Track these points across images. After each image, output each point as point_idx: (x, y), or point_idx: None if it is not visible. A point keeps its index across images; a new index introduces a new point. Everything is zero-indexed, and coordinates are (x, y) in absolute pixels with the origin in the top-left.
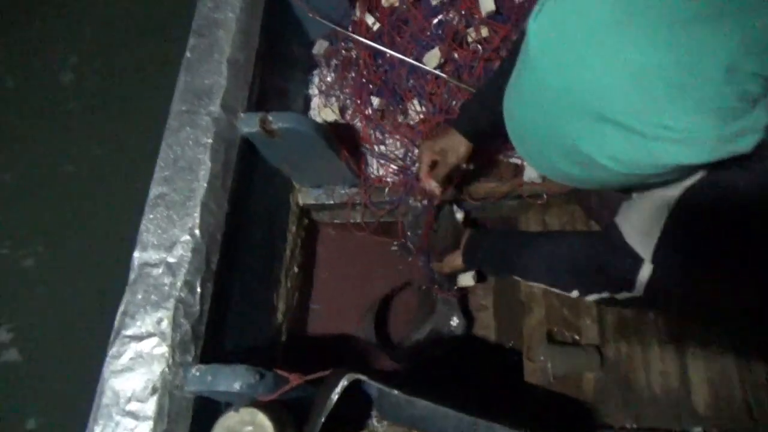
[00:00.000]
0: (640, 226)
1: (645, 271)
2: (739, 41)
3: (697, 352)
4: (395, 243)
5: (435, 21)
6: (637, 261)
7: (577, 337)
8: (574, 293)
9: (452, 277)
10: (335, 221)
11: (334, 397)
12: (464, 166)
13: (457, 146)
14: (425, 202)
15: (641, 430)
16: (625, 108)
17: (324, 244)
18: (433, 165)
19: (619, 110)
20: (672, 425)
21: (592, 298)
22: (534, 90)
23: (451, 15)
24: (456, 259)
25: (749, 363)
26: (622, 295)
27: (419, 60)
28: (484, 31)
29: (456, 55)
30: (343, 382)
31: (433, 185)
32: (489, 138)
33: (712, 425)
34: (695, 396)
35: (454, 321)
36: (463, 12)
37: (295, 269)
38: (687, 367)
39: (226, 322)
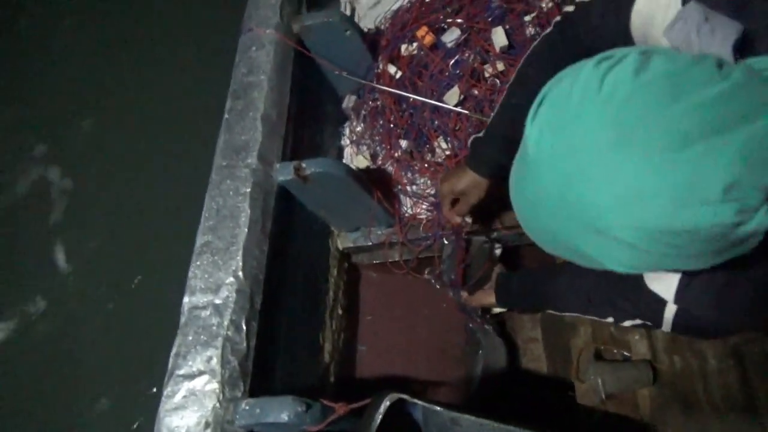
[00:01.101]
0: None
1: (669, 312)
2: (737, 158)
3: (758, 360)
4: (427, 271)
5: (452, 62)
6: (661, 303)
7: (627, 354)
8: (609, 319)
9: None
10: (374, 261)
11: (378, 417)
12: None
13: (475, 185)
14: (453, 237)
15: None
16: (629, 227)
17: (366, 287)
18: (455, 203)
19: (622, 229)
20: None
21: (627, 324)
22: (536, 192)
23: (467, 54)
24: (488, 297)
25: None
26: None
27: (441, 99)
28: (500, 66)
29: (475, 92)
30: (386, 402)
31: (457, 220)
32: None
33: None
34: (761, 404)
35: (498, 347)
36: (478, 50)
37: (339, 311)
38: (747, 372)
39: (274, 360)
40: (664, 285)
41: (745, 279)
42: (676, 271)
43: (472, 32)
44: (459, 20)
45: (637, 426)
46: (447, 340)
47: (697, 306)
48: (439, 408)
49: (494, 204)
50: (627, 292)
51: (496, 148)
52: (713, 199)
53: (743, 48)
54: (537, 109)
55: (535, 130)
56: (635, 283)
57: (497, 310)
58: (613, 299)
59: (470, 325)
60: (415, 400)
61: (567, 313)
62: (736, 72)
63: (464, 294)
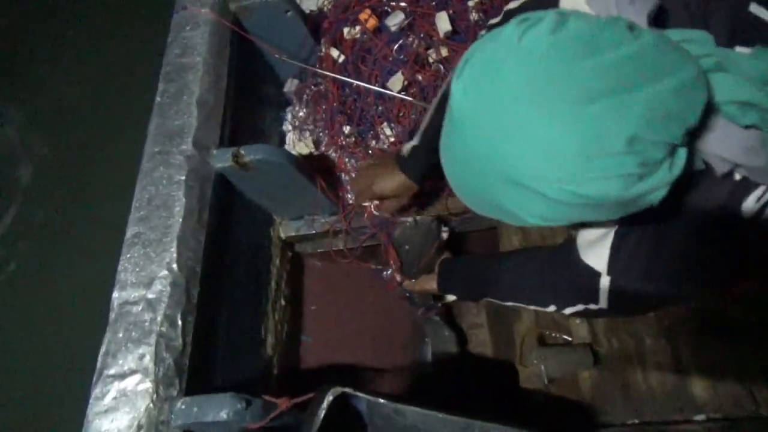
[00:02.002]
0: (592, 240)
1: (604, 284)
2: (641, 114)
3: (688, 341)
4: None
5: (396, 46)
6: (595, 275)
7: (568, 338)
8: (551, 308)
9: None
10: (318, 250)
11: (321, 413)
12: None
13: (408, 188)
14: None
15: (644, 425)
16: (543, 178)
17: (311, 277)
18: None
19: (536, 180)
20: (674, 416)
21: (568, 311)
22: (460, 150)
23: (411, 39)
24: (429, 283)
25: (742, 345)
26: (592, 307)
27: (385, 85)
28: (444, 51)
29: (420, 77)
30: (329, 397)
31: (386, 215)
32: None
33: (714, 411)
34: (693, 385)
35: (447, 338)
36: (422, 35)
37: (283, 301)
38: (681, 357)
39: (213, 356)
40: (597, 256)
41: (670, 249)
42: (605, 239)
43: (416, 16)
44: (403, 4)
45: (578, 407)
46: (393, 328)
47: (628, 276)
48: (382, 400)
49: (441, 190)
50: (564, 271)
51: (431, 158)
52: (618, 150)
53: (658, 21)
54: (462, 68)
55: (459, 88)
56: (572, 261)
57: (449, 298)
58: (554, 283)
59: (417, 316)
60: (358, 393)
61: (508, 303)
62: (646, 35)
63: (406, 282)
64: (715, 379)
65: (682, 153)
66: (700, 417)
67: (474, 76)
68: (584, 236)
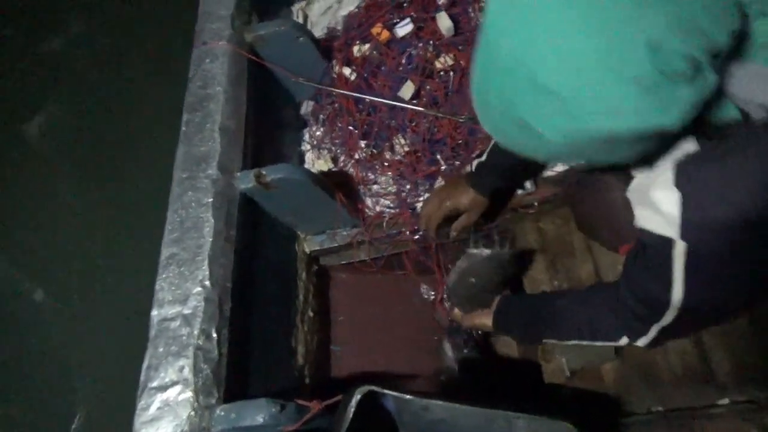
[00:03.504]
0: (646, 185)
1: (679, 253)
2: (664, 20)
3: (713, 330)
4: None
5: (405, 56)
6: (667, 244)
7: None
8: (624, 340)
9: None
10: (342, 262)
11: (350, 410)
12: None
13: (477, 203)
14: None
15: (669, 411)
16: (563, 80)
17: (337, 289)
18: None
19: (557, 82)
20: (699, 401)
21: (642, 342)
22: (487, 56)
23: (419, 45)
24: (483, 319)
25: (764, 327)
26: (666, 320)
27: (396, 95)
28: (449, 60)
29: (428, 86)
30: (357, 396)
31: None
32: (504, 193)
33: (739, 394)
34: (717, 369)
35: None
36: (429, 41)
37: (311, 313)
38: (703, 342)
39: (248, 366)
40: (664, 210)
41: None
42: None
43: (423, 23)
44: (411, 12)
45: (602, 398)
46: (419, 334)
47: (707, 215)
48: (409, 396)
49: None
50: (636, 285)
51: (497, 174)
52: (638, 52)
53: None
54: None
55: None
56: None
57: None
58: (624, 310)
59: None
60: (385, 391)
61: (572, 341)
62: None
63: (457, 311)
64: (738, 363)
65: (710, 76)
66: (725, 401)
67: None
68: (637, 187)
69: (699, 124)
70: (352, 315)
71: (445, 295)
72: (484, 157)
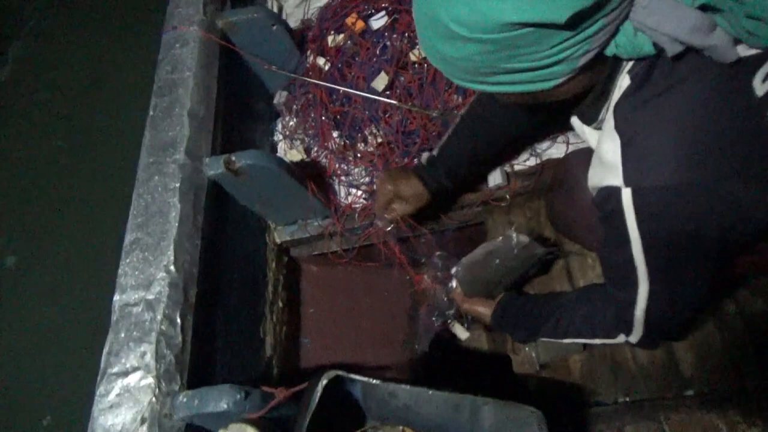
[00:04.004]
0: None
1: (626, 198)
2: None
3: None
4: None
5: (380, 47)
6: (615, 193)
7: None
8: (621, 338)
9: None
10: (314, 253)
11: (316, 395)
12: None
13: (418, 195)
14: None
15: (634, 403)
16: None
17: (307, 281)
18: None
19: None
20: (664, 393)
21: (635, 337)
22: (419, 13)
23: (394, 37)
24: (482, 308)
25: (727, 322)
26: (641, 299)
27: (370, 86)
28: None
29: (402, 78)
30: (323, 381)
31: (386, 220)
32: (448, 192)
33: (703, 386)
34: (681, 362)
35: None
36: (405, 33)
37: (280, 304)
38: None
39: (213, 354)
40: (607, 160)
41: (687, 131)
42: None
43: (399, 15)
44: (384, 5)
45: (570, 389)
46: (390, 326)
47: (647, 169)
48: (375, 381)
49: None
50: (600, 252)
51: (444, 170)
52: None
53: None
54: None
55: None
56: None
57: (459, 332)
58: (607, 295)
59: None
60: (353, 376)
61: (568, 340)
62: None
63: (459, 290)
64: (702, 355)
65: None
66: (690, 392)
67: None
68: (593, 168)
69: (617, 61)
70: (322, 307)
71: (453, 270)
72: (435, 152)
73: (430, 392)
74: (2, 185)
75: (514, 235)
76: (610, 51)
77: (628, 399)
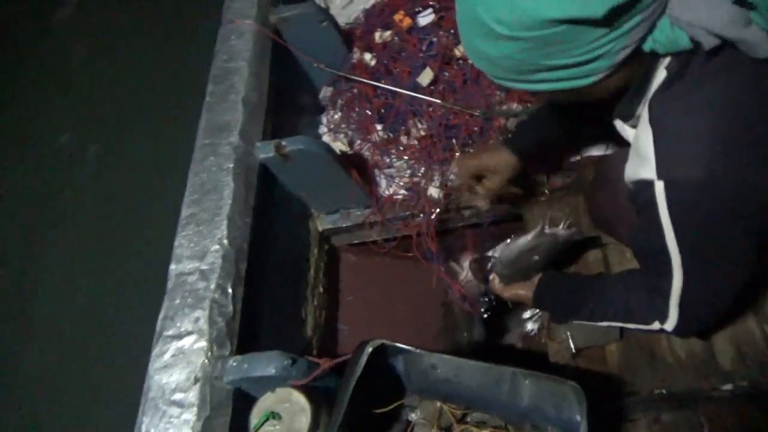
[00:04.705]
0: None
1: (659, 190)
2: None
3: None
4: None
5: (426, 43)
6: (649, 186)
7: None
8: (656, 324)
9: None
10: (354, 242)
11: (362, 362)
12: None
13: (508, 162)
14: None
15: (671, 394)
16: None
17: (346, 270)
18: (476, 181)
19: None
20: (702, 385)
21: (670, 325)
22: (461, 13)
23: (441, 33)
24: (522, 291)
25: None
26: (676, 287)
27: (415, 81)
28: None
29: (447, 73)
30: (368, 348)
31: (480, 201)
32: (537, 160)
33: (741, 379)
34: (720, 355)
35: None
36: (451, 30)
37: (320, 289)
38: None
39: (259, 326)
40: (643, 153)
41: (720, 127)
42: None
43: (446, 11)
44: (432, 2)
45: (605, 378)
46: (425, 318)
47: (680, 162)
48: (419, 351)
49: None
50: (634, 240)
51: (535, 137)
52: None
53: None
54: None
55: None
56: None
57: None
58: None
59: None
60: (398, 344)
61: (605, 323)
62: None
63: (498, 282)
64: (742, 348)
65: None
66: (728, 386)
67: None
68: (630, 160)
69: (654, 56)
70: (360, 297)
71: (490, 264)
72: (525, 118)
73: (472, 363)
74: None
75: (549, 231)
76: (647, 46)
77: (664, 391)
